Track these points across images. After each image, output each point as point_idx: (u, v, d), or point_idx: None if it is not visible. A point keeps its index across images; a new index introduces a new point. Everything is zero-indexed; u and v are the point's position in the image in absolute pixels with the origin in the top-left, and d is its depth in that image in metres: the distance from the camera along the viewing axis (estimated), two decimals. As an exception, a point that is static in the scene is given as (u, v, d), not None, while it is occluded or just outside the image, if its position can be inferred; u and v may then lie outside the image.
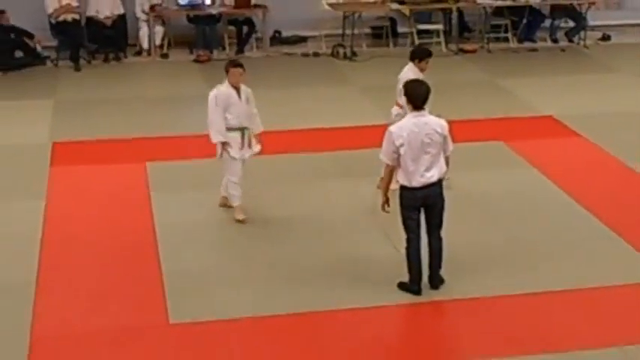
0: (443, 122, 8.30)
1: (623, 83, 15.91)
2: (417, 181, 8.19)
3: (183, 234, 9.96)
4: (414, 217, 8.35)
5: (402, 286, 8.53)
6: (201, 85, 15.74)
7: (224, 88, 10.19)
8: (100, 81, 16.05)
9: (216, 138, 10.17)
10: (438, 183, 8.30)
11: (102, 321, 8.21)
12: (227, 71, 10.24)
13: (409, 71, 10.42)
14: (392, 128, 8.24)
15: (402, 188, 8.28)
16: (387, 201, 8.43)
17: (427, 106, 8.33)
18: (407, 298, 8.46)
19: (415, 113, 8.22)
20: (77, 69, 16.65)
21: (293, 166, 11.79)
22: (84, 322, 8.20)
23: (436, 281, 8.59)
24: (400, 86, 9.65)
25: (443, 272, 8.61)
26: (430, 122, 8.22)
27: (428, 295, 8.47)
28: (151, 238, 9.79)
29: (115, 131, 13.20)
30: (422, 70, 10.49)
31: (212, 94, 10.19)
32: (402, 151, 8.13)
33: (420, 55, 10.63)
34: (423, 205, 8.34)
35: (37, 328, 8.05)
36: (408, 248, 8.47)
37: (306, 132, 13.06)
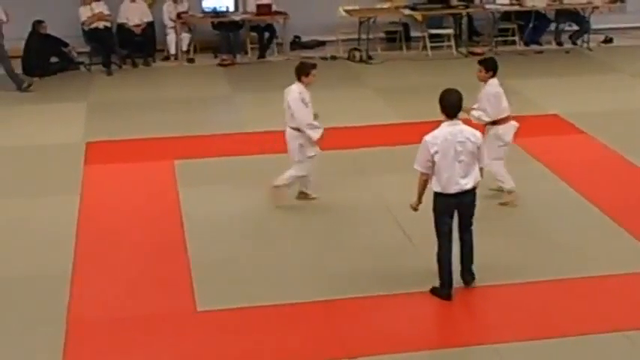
0: (477, 132, 8.12)
1: (624, 83, 15.85)
2: (451, 188, 8.00)
3: (210, 226, 9.99)
4: (447, 222, 8.13)
5: (433, 291, 8.30)
6: (225, 88, 15.84)
7: (301, 89, 10.10)
8: (131, 84, 16.10)
9: (318, 134, 10.12)
10: (472, 191, 8.11)
11: (133, 308, 8.25)
12: (306, 73, 10.16)
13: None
14: (427, 137, 8.01)
15: (436, 195, 8.07)
16: (419, 203, 8.25)
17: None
18: (419, 287, 8.45)
19: (449, 122, 8.01)
20: (109, 73, 16.70)
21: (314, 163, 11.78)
22: (116, 309, 8.25)
23: (468, 277, 8.43)
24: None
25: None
26: (464, 131, 8.02)
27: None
28: (180, 230, 9.82)
29: (144, 131, 13.24)
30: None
31: (295, 95, 10.08)
32: (436, 158, 7.92)
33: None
34: (457, 210, 8.15)
35: (73, 314, 8.11)
36: (439, 253, 8.20)
37: (324, 130, 13.05)
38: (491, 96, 10.10)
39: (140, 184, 11.25)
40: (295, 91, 10.07)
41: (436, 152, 7.92)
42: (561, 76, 16.35)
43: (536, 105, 14.31)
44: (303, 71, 10.13)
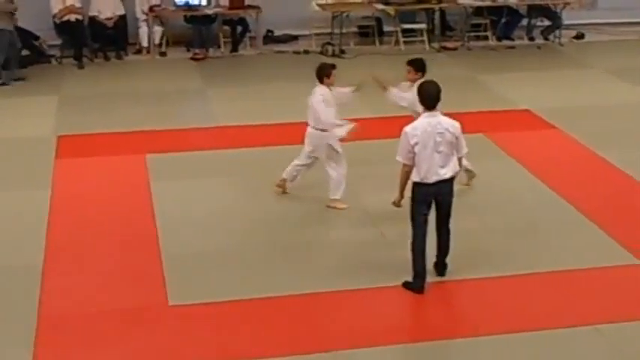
0: (455, 123, 8.17)
1: (595, 79, 15.94)
2: (431, 178, 8.05)
3: (182, 220, 9.96)
4: (424, 212, 8.17)
5: (406, 284, 8.31)
6: (197, 82, 15.79)
7: (324, 90, 10.00)
8: (102, 78, 16.01)
9: (345, 131, 10.05)
10: (450, 180, 8.18)
11: (105, 302, 8.21)
12: (327, 74, 10.02)
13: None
14: (406, 129, 8.08)
15: (415, 184, 8.13)
16: (401, 198, 8.32)
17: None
18: (393, 281, 8.46)
19: (428, 113, 8.08)
20: (80, 67, 16.60)
21: (287, 157, 11.76)
22: (88, 303, 8.20)
23: (442, 268, 8.52)
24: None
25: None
26: (442, 122, 8.09)
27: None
28: (152, 224, 9.79)
29: (116, 125, 13.18)
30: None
31: (318, 98, 9.95)
32: (416, 149, 7.99)
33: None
34: (434, 201, 8.21)
35: (44, 309, 8.05)
36: (413, 243, 8.23)
37: (297, 124, 13.04)
38: None
39: (112, 178, 11.19)
40: (318, 93, 9.98)
41: (416, 143, 7.99)
42: (533, 71, 16.42)
43: (508, 100, 14.37)
44: (324, 72, 10.05)
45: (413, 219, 8.23)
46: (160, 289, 8.40)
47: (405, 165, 8.15)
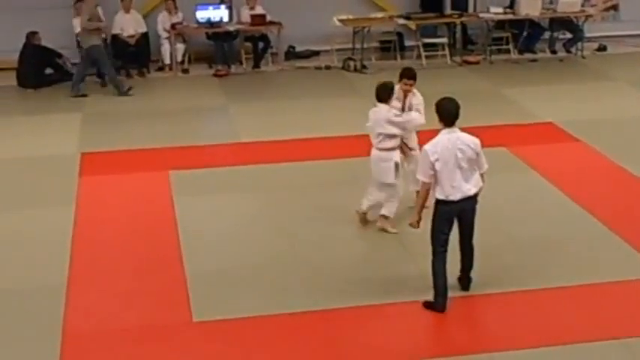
0: (475, 139, 8.10)
1: (618, 91, 15.86)
2: (454, 195, 7.98)
3: (205, 236, 9.98)
4: (446, 231, 8.10)
5: (427, 304, 8.23)
6: (220, 98, 15.83)
7: (388, 107, 9.77)
8: (125, 96, 16.06)
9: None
10: (474, 197, 8.11)
11: (129, 319, 8.23)
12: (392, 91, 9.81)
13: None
14: (426, 146, 8.01)
15: (439, 202, 8.05)
16: (419, 220, 8.24)
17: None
18: (415, 296, 8.43)
19: (448, 130, 8.01)
20: (103, 84, 16.67)
21: (308, 173, 11.79)
22: (112, 320, 8.22)
23: (466, 282, 8.48)
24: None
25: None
26: (462, 138, 8.03)
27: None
28: (175, 241, 9.80)
29: (139, 142, 13.23)
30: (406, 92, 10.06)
31: (389, 115, 9.69)
32: (437, 166, 7.92)
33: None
34: (457, 218, 8.13)
35: (69, 326, 8.08)
36: (434, 263, 8.15)
37: (318, 140, 13.08)
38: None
39: (135, 195, 11.22)
40: (384, 108, 9.70)
41: (437, 160, 7.93)
42: (556, 84, 16.37)
43: (531, 113, 14.32)
44: (388, 93, 9.76)
45: (434, 238, 8.15)
46: (185, 305, 8.41)
47: (424, 183, 8.08)
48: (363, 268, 9.16)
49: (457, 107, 8.05)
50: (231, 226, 10.30)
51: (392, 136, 9.70)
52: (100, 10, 16.63)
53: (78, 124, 14.26)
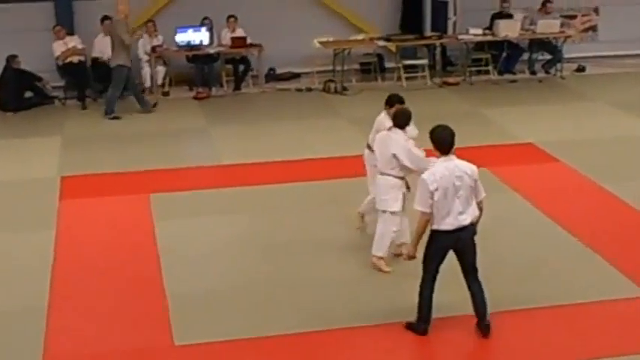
0: (473, 166, 7.95)
1: (597, 111, 15.97)
2: (450, 224, 7.82)
3: (186, 259, 9.95)
4: (438, 260, 7.96)
5: (409, 326, 8.19)
6: (200, 121, 15.84)
7: (403, 134, 9.41)
8: (106, 118, 16.05)
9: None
10: (470, 227, 7.94)
11: (110, 343, 8.18)
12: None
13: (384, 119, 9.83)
14: (424, 176, 7.86)
15: (433, 232, 7.89)
16: (415, 252, 8.11)
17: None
18: (395, 318, 8.44)
19: (444, 158, 7.88)
20: (84, 107, 16.67)
21: (290, 195, 11.80)
22: (93, 344, 8.17)
23: (484, 327, 8.11)
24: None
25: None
26: (460, 165, 7.88)
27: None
28: (156, 264, 9.77)
29: (120, 165, 13.21)
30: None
31: (404, 143, 9.27)
32: (436, 196, 7.77)
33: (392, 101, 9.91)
34: (454, 249, 7.96)
35: (50, 349, 8.04)
36: (422, 287, 8.06)
37: (300, 162, 13.09)
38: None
39: (116, 218, 11.20)
40: (402, 135, 9.33)
41: (436, 189, 7.77)
42: (535, 104, 16.47)
43: (511, 134, 14.40)
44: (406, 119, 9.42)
45: (425, 265, 8.04)
46: (165, 328, 8.38)
47: (424, 214, 7.88)
48: (345, 290, 9.15)
49: (452, 135, 7.92)
50: (213, 248, 10.28)
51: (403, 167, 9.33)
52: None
53: (58, 148, 14.23)
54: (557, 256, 9.87)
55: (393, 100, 9.94)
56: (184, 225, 10.97)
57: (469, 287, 8.10)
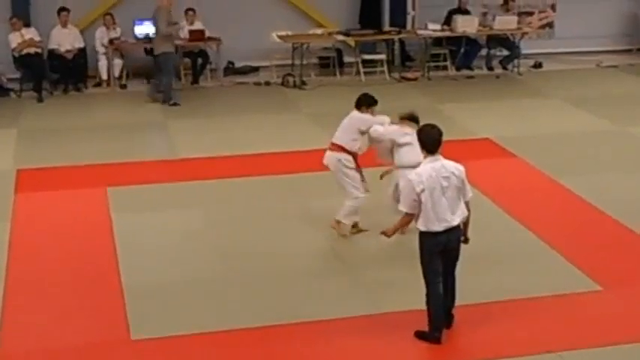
0: (460, 166, 7.85)
1: (553, 107, 16.12)
2: (439, 226, 7.67)
3: (143, 253, 9.90)
4: (437, 263, 7.77)
5: (420, 335, 7.97)
6: (158, 114, 15.75)
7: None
8: (62, 111, 15.95)
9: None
10: (458, 227, 7.82)
11: (67, 338, 8.11)
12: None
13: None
14: (411, 176, 7.73)
15: (424, 235, 7.74)
16: (392, 235, 8.16)
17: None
18: (354, 311, 8.45)
19: (431, 158, 7.73)
20: (40, 100, 16.51)
21: (247, 189, 11.78)
22: (49, 339, 8.10)
23: (449, 319, 8.08)
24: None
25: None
26: (447, 165, 7.75)
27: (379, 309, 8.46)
28: (113, 258, 9.71)
29: (76, 158, 13.11)
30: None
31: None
32: (423, 197, 7.60)
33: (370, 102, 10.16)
34: (443, 250, 7.79)
35: (5, 345, 7.94)
36: (430, 296, 7.83)
37: (257, 156, 13.08)
38: None
39: (73, 212, 11.11)
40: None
41: (422, 190, 7.64)
42: (493, 100, 16.59)
43: (469, 129, 14.48)
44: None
45: (428, 271, 7.85)
46: (122, 323, 8.32)
47: (407, 215, 7.79)
48: (304, 282, 9.16)
49: (440, 134, 7.81)
50: (170, 242, 10.24)
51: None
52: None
53: (13, 140, 14.10)
54: (514, 250, 9.94)
55: (365, 102, 10.11)
56: (141, 219, 10.91)
57: (444, 279, 7.95)
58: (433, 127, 7.89)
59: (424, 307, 7.91)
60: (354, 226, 10.22)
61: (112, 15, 17.62)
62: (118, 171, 12.60)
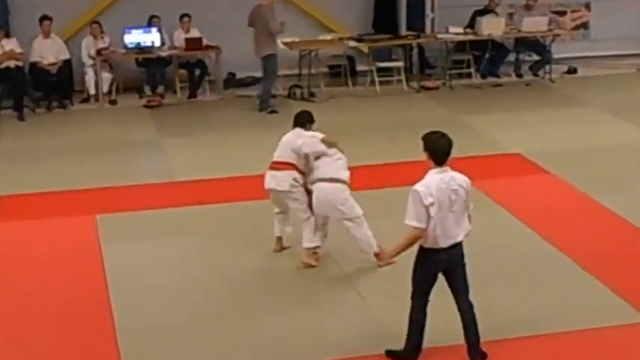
0: (467, 178, 7.93)
1: (590, 117, 16.11)
2: (445, 242, 7.76)
3: (137, 288, 9.88)
4: (431, 281, 7.89)
5: (391, 354, 8.10)
6: (152, 132, 15.80)
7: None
8: (45, 130, 15.99)
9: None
10: (461, 243, 7.90)
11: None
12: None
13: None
14: (417, 188, 7.70)
15: (425, 251, 7.82)
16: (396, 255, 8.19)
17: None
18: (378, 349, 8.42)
19: (439, 169, 7.77)
20: (21, 118, 16.57)
21: (249, 214, 11.76)
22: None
23: (478, 355, 8.06)
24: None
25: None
26: (455, 177, 7.82)
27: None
28: (104, 293, 9.69)
29: (61, 183, 13.13)
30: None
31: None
32: (431, 211, 7.65)
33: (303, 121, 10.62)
34: (445, 268, 7.89)
35: (-16, 394, 7.95)
36: (414, 313, 7.98)
37: (261, 177, 13.05)
38: None
39: (58, 242, 11.12)
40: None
41: (432, 204, 7.66)
42: (523, 110, 16.56)
43: (496, 143, 14.45)
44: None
45: (416, 288, 7.95)
46: (115, 366, 8.32)
47: (416, 229, 7.74)
48: (315, 317, 9.12)
49: (450, 144, 7.85)
50: (166, 274, 10.23)
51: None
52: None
53: (-8, 163, 14.15)
54: (549, 278, 9.88)
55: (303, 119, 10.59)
56: (134, 249, 10.90)
57: (459, 306, 8.01)
58: (443, 135, 7.91)
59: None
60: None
61: (99, 23, 17.69)
62: (108, 196, 12.61)
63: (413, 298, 8.01)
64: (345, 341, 8.58)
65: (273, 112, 16.62)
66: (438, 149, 7.82)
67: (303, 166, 10.17)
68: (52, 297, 9.71)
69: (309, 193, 10.14)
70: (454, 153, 12.96)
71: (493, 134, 14.96)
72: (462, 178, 7.91)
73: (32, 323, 9.16)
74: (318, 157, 10.09)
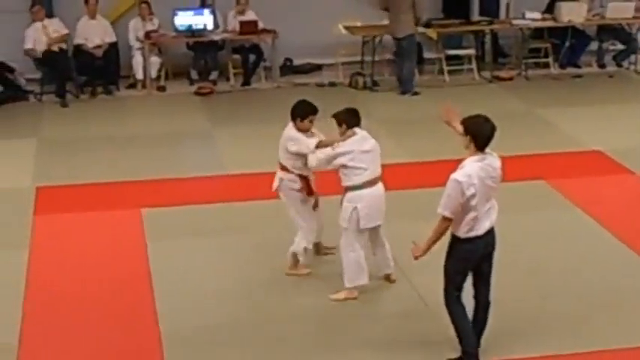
0: (499, 158, 8.09)
1: (680, 112, 15.95)
2: (481, 229, 7.93)
3: (184, 288, 9.95)
4: (467, 272, 8.09)
5: None
6: (202, 121, 15.88)
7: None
8: (89, 118, 16.13)
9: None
10: (493, 228, 8.08)
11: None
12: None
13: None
14: (459, 178, 7.79)
15: (460, 241, 7.98)
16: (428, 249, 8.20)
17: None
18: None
19: (480, 156, 7.89)
20: (64, 105, 16.74)
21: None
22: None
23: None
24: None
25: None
26: (492, 163, 7.98)
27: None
28: (148, 294, 9.78)
29: (105, 174, 13.26)
30: (306, 130, 10.47)
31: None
32: (473, 201, 7.81)
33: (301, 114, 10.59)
34: (482, 256, 8.07)
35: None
36: (452, 307, 8.15)
37: (320, 172, 13.09)
38: None
39: (101, 238, 11.23)
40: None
41: (473, 195, 7.80)
42: (604, 104, 16.44)
43: (575, 140, 14.36)
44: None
45: (452, 280, 8.08)
46: (159, 372, 8.41)
47: (445, 219, 7.93)
48: (372, 323, 9.15)
49: (494, 128, 7.92)
50: (215, 274, 10.29)
51: None
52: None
53: (32, 152, 14.31)
54: (632, 286, 9.81)
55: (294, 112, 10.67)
56: (182, 246, 10.98)
57: (477, 296, 8.23)
58: (487, 119, 7.97)
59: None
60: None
61: (148, 3, 17.78)
62: (154, 189, 12.72)
63: (448, 292, 8.14)
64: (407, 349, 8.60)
65: (416, 93, 17.03)
66: (482, 134, 7.90)
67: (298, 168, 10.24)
68: (92, 297, 9.79)
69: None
70: (529, 149, 12.96)
71: (571, 129, 14.86)
72: (497, 163, 8.04)
73: (70, 325, 9.26)
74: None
